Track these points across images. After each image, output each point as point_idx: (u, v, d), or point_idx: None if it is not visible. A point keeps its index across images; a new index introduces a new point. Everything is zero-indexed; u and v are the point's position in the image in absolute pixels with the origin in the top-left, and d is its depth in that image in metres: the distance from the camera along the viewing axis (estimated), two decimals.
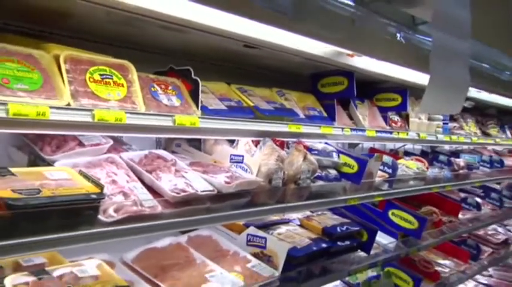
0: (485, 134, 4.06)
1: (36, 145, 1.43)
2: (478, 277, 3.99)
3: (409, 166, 2.90)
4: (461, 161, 3.54)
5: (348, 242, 2.26)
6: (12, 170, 1.21)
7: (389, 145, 3.55)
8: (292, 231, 2.20)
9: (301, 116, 2.10)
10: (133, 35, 1.68)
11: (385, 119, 2.73)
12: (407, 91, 2.72)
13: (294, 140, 2.02)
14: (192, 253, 1.79)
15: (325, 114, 2.30)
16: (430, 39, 1.93)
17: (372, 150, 3.08)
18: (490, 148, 4.45)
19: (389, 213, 2.78)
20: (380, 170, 2.48)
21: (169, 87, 1.58)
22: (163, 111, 1.47)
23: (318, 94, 2.39)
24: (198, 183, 1.54)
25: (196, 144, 1.98)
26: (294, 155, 1.92)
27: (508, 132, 4.50)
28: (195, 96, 1.62)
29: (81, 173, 1.32)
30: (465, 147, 4.17)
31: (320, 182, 2.05)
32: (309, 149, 2.06)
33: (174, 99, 1.55)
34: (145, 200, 1.37)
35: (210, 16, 1.47)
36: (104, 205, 1.26)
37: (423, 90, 1.83)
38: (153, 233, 1.39)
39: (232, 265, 1.80)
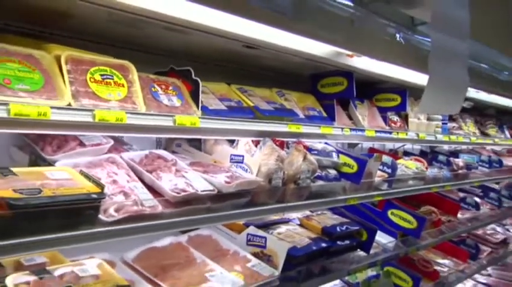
0: (484, 134, 4.07)
1: (37, 144, 1.43)
2: (477, 276, 4.01)
3: (408, 166, 2.91)
4: (460, 161, 3.55)
5: (347, 242, 2.27)
6: (14, 170, 1.21)
7: (389, 145, 3.56)
8: (292, 231, 2.20)
9: (301, 116, 2.11)
10: (135, 36, 1.68)
11: (385, 119, 2.74)
12: (406, 91, 2.73)
13: (294, 140, 2.03)
14: (192, 252, 1.80)
15: (324, 115, 2.30)
16: (429, 39, 1.94)
17: (372, 150, 3.09)
18: (488, 148, 4.46)
19: (389, 213, 2.79)
20: (379, 170, 2.49)
21: (170, 88, 1.59)
22: (164, 111, 1.48)
23: (317, 94, 2.40)
24: (198, 183, 1.55)
25: (197, 144, 1.98)
26: (293, 155, 1.93)
27: (507, 132, 4.51)
28: (195, 97, 1.63)
29: (82, 173, 1.32)
30: (464, 147, 4.18)
31: (320, 182, 2.06)
32: (309, 149, 2.07)
33: (175, 99, 1.56)
34: (146, 200, 1.38)
35: (211, 17, 1.48)
36: (104, 205, 1.27)
37: (422, 90, 1.84)
38: (154, 233, 1.39)
39: (232, 264, 1.81)
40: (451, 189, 3.41)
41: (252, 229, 2.00)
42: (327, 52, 2.01)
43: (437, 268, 3.27)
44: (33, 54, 1.25)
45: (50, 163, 1.39)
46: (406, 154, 3.46)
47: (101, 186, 1.26)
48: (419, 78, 2.44)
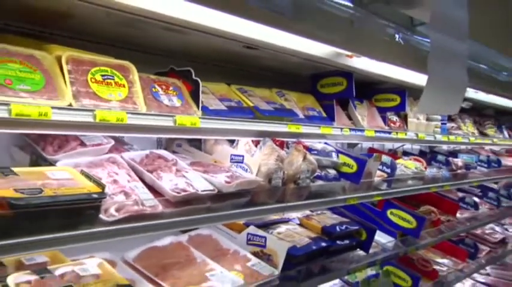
0: (483, 134, 4.09)
1: (38, 144, 1.44)
2: (475, 275, 4.02)
3: (407, 166, 2.92)
4: (459, 161, 3.56)
5: (347, 241, 2.28)
6: (15, 169, 1.22)
7: (388, 145, 3.57)
8: (292, 230, 2.21)
9: (301, 116, 2.11)
10: (135, 36, 1.68)
11: (384, 119, 2.75)
12: (405, 92, 2.74)
13: (294, 140, 2.03)
14: (192, 252, 1.81)
15: (324, 115, 2.31)
16: (428, 40, 1.94)
17: (371, 150, 3.09)
18: (487, 147, 4.48)
19: (388, 212, 2.79)
20: (379, 169, 2.49)
21: (170, 88, 1.59)
22: (164, 111, 1.48)
23: (317, 95, 2.40)
24: (199, 183, 1.55)
25: (197, 144, 1.99)
26: (293, 155, 1.93)
27: (505, 133, 4.53)
28: (195, 97, 1.64)
29: (82, 172, 1.33)
30: (463, 147, 4.19)
31: (319, 182, 2.06)
32: (309, 149, 2.08)
33: (175, 99, 1.56)
34: (146, 200, 1.38)
35: (211, 17, 1.48)
36: (105, 205, 1.27)
37: (422, 90, 1.84)
38: (154, 233, 1.40)
39: (233, 263, 1.81)
40: (450, 189, 3.42)
41: (252, 229, 2.00)
42: (327, 52, 2.02)
43: (437, 267, 3.28)
44: (34, 54, 1.25)
45: (51, 163, 1.39)
46: (406, 153, 3.47)
47: (102, 186, 1.26)
48: (418, 79, 2.45)
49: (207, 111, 1.65)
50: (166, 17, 1.41)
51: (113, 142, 1.59)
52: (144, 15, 1.38)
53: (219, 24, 1.53)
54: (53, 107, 1.15)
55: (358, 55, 2.11)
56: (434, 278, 3.12)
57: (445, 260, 3.52)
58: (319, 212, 2.52)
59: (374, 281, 2.85)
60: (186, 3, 1.33)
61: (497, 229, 4.37)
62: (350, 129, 2.26)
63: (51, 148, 1.43)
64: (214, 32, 1.57)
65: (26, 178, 1.19)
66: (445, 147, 4.09)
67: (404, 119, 2.97)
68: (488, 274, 4.22)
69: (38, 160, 1.43)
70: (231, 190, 1.59)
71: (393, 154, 3.32)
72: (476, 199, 3.98)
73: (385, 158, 2.59)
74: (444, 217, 3.36)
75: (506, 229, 4.49)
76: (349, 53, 2.08)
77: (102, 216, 1.25)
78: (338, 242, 2.23)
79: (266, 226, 2.20)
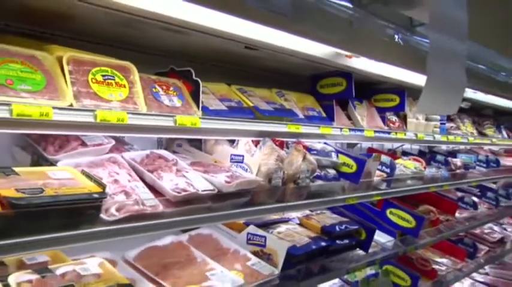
0: (482, 134, 4.10)
1: (39, 144, 1.44)
2: (474, 275, 4.03)
3: (406, 166, 2.92)
4: (458, 161, 3.58)
5: (346, 241, 2.28)
6: (16, 169, 1.22)
7: (388, 145, 3.58)
8: (292, 230, 2.22)
9: (301, 116, 2.12)
10: (135, 37, 1.69)
11: (383, 119, 2.75)
12: (405, 92, 2.74)
13: (294, 140, 2.04)
14: (192, 251, 1.81)
15: (324, 115, 2.32)
16: (427, 40, 1.95)
17: (370, 150, 3.10)
18: (486, 147, 4.49)
19: (388, 212, 2.80)
20: (378, 169, 2.50)
21: (171, 88, 1.60)
22: (165, 111, 1.49)
23: (317, 95, 2.41)
24: (199, 182, 1.56)
25: (197, 144, 1.99)
26: (293, 155, 1.94)
27: (504, 133, 4.54)
28: (195, 97, 1.64)
29: (83, 172, 1.33)
30: (462, 147, 4.20)
31: (319, 182, 2.07)
32: (308, 149, 2.08)
33: (175, 99, 1.57)
34: (147, 200, 1.39)
35: (211, 18, 1.49)
36: (106, 204, 1.28)
37: (421, 91, 1.85)
38: (155, 232, 1.40)
39: (233, 263, 1.82)
40: (449, 188, 3.43)
41: (252, 228, 2.01)
42: (326, 53, 2.03)
43: (436, 266, 3.29)
44: (35, 55, 1.26)
45: (52, 163, 1.40)
46: (405, 153, 3.48)
47: (103, 186, 1.27)
48: (417, 79, 2.46)
49: (207, 112, 1.66)
50: (165, 17, 1.41)
51: (113, 142, 1.60)
52: (144, 16, 1.39)
53: (218, 24, 1.53)
54: (54, 107, 1.16)
55: (357, 55, 2.12)
56: (434, 277, 3.13)
57: (444, 260, 3.53)
58: (318, 211, 2.53)
59: (373, 280, 2.86)
60: (185, 3, 1.33)
61: (496, 228, 4.38)
62: (349, 129, 2.27)
63: (52, 148, 1.44)
64: (213, 32, 1.57)
65: (27, 178, 1.19)
66: (444, 147, 4.10)
67: (403, 119, 2.97)
68: (487, 274, 4.23)
69: (39, 160, 1.43)
70: (231, 190, 1.60)
71: (392, 153, 3.33)
72: (475, 199, 3.99)
73: (385, 158, 2.59)
74: (443, 216, 3.37)
75: (505, 229, 4.51)
76: (349, 54, 2.09)
77: (102, 216, 1.26)
78: (338, 241, 2.24)
79: (266, 225, 2.20)
